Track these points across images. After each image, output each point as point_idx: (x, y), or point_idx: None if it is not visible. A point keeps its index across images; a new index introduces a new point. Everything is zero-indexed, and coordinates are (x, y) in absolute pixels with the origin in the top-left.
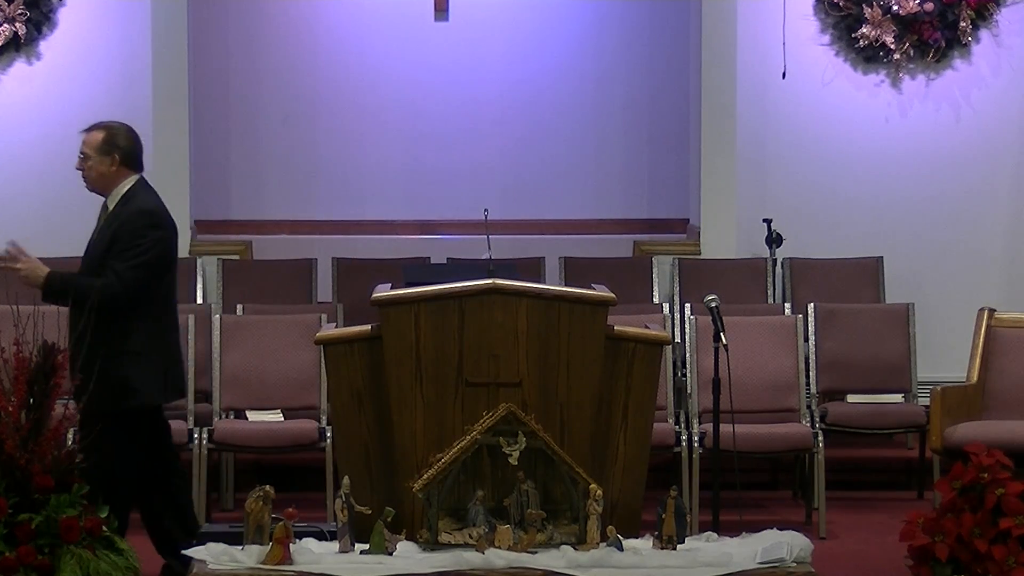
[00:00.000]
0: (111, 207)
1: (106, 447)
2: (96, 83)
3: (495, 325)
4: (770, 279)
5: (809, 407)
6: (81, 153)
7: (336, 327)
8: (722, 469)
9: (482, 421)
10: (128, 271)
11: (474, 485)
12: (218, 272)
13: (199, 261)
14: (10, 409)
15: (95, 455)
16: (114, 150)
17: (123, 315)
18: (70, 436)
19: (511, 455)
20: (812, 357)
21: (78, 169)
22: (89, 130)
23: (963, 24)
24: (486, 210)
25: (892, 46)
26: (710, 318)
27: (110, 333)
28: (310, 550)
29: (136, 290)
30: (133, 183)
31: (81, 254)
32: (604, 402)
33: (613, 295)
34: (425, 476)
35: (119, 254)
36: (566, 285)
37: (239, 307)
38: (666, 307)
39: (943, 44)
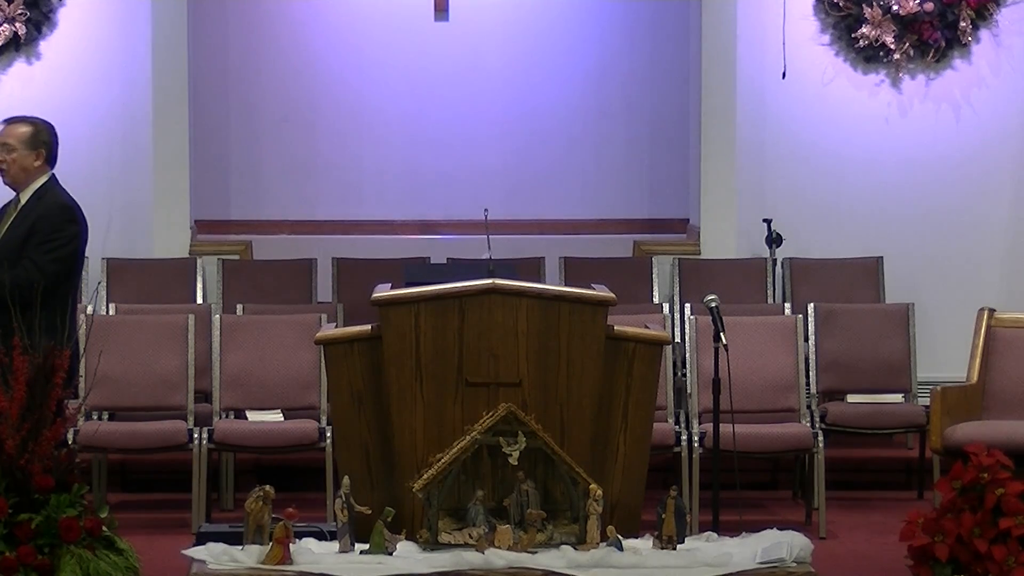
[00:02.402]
0: (23, 201)
1: None
2: (96, 83)
3: (495, 325)
4: (770, 279)
5: (809, 407)
6: (3, 144)
7: (336, 327)
8: (722, 469)
9: (482, 421)
10: (49, 264)
11: (474, 485)
12: (218, 272)
13: (199, 261)
14: (10, 409)
15: None
16: (41, 146)
17: (35, 309)
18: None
19: (511, 455)
20: (812, 357)
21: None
22: (11, 122)
23: (963, 24)
24: (486, 210)
25: (892, 46)
26: (710, 318)
27: (26, 323)
28: (310, 550)
29: (53, 282)
30: (47, 179)
31: None
32: (604, 402)
33: (613, 295)
34: (425, 476)
35: (38, 246)
36: (566, 285)
37: (239, 307)
38: (666, 307)
39: (943, 44)
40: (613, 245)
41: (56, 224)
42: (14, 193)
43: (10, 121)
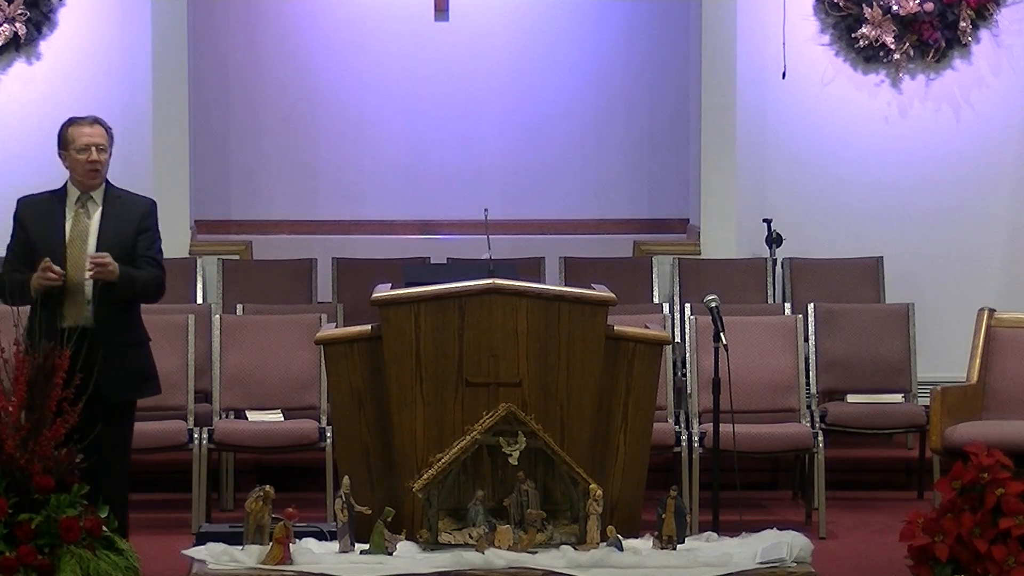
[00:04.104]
0: (99, 200)
1: (124, 437)
2: (96, 83)
3: (495, 325)
4: (770, 279)
5: (809, 407)
6: (97, 145)
7: (336, 327)
8: (722, 469)
9: (482, 421)
10: (162, 260)
11: (474, 485)
12: (218, 272)
13: (199, 261)
14: (10, 409)
15: (118, 447)
16: (112, 145)
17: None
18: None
19: (511, 455)
20: (812, 357)
21: (93, 160)
22: (95, 122)
23: (963, 24)
24: (486, 210)
25: (892, 46)
26: (710, 318)
27: (129, 321)
28: (310, 550)
29: None
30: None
31: None
32: (604, 402)
33: (613, 295)
34: (425, 476)
35: (153, 244)
36: (566, 285)
37: (239, 307)
38: (666, 307)
39: (943, 44)
40: (613, 245)
41: (156, 221)
42: (67, 193)
43: (93, 121)
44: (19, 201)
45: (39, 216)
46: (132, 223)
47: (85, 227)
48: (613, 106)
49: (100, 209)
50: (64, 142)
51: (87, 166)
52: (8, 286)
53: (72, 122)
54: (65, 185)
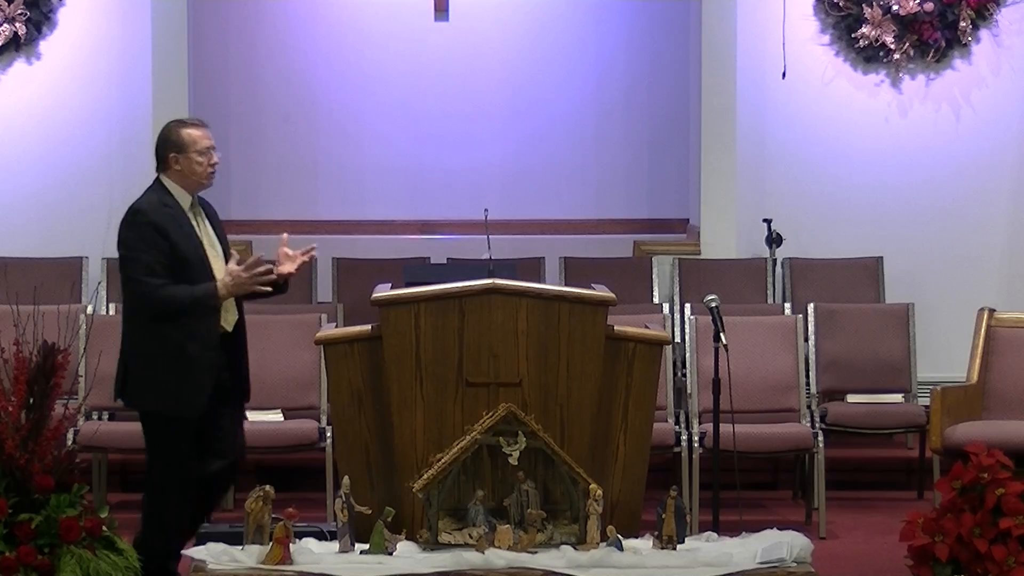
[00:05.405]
0: (199, 205)
1: None
2: (96, 83)
3: (495, 325)
4: (770, 279)
5: (809, 407)
6: (214, 148)
7: (336, 327)
8: (722, 469)
9: (482, 421)
10: None
11: (474, 485)
12: None
13: None
14: (10, 409)
15: None
16: None
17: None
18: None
19: (511, 455)
20: (812, 357)
21: (215, 163)
22: (204, 125)
23: (963, 24)
24: (486, 210)
25: (892, 46)
26: (710, 318)
27: None
28: (310, 550)
29: None
30: None
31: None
32: (604, 402)
33: (613, 295)
34: (425, 476)
35: None
36: (566, 285)
37: None
38: (666, 307)
39: (943, 44)
40: (613, 245)
41: None
42: (184, 196)
43: (201, 124)
44: (141, 211)
45: (174, 224)
46: (221, 228)
47: (207, 233)
48: (613, 106)
49: (200, 213)
50: (179, 145)
51: (210, 168)
52: (178, 300)
53: (182, 124)
54: (165, 189)
